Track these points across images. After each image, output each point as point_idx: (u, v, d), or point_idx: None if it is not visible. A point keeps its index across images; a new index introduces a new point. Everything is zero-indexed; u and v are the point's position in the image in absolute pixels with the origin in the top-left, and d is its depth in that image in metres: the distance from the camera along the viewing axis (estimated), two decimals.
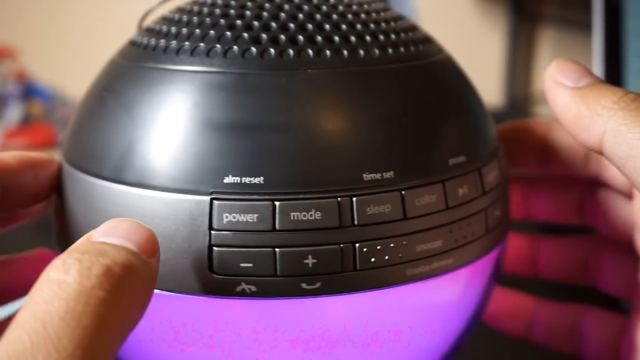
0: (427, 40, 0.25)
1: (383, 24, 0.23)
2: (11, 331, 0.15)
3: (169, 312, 0.21)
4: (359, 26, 0.22)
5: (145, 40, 0.23)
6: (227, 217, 0.19)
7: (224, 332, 0.21)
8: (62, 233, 0.23)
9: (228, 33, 0.22)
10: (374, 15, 0.23)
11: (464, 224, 0.21)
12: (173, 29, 0.23)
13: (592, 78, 0.24)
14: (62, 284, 0.16)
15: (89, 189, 0.21)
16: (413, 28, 0.25)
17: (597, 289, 0.28)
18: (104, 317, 0.16)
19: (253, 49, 0.21)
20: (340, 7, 0.23)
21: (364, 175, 0.20)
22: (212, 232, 0.20)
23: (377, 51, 0.22)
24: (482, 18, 0.92)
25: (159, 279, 0.19)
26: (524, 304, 0.30)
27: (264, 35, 0.21)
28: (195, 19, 0.23)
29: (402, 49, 0.23)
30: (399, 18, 0.25)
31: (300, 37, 0.21)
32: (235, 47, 0.21)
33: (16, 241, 0.27)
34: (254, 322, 0.20)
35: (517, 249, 0.30)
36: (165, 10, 0.25)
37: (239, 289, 0.20)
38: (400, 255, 0.20)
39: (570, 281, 0.29)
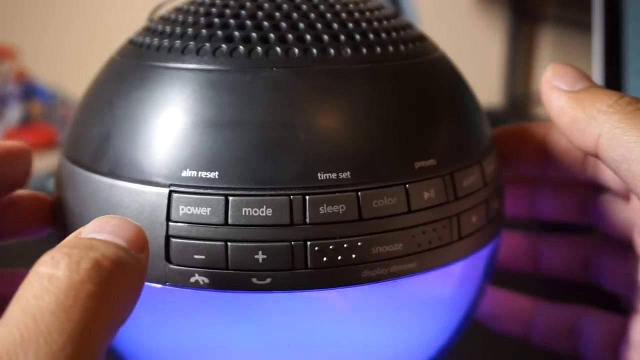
0: (416, 39, 0.24)
1: (364, 24, 0.23)
2: (1, 327, 0.15)
3: None
4: (335, 25, 0.22)
5: (139, 39, 0.24)
6: (183, 209, 0.20)
7: (181, 321, 0.21)
8: (60, 226, 0.24)
9: (204, 31, 0.22)
10: (357, 14, 0.23)
11: (430, 228, 0.21)
12: (160, 28, 0.24)
13: (588, 82, 0.24)
14: (51, 278, 0.16)
15: (74, 178, 0.22)
16: (402, 27, 0.24)
17: (599, 287, 0.28)
18: (94, 311, 0.16)
19: (224, 46, 0.22)
20: (322, 7, 0.23)
21: (319, 174, 0.20)
22: (170, 223, 0.20)
23: (349, 51, 0.22)
24: (482, 18, 0.92)
25: None
26: (523, 305, 0.30)
27: (236, 34, 0.22)
28: (180, 18, 0.23)
29: (378, 49, 0.22)
30: (391, 16, 0.24)
31: (272, 36, 0.22)
32: (207, 45, 0.22)
33: (15, 248, 0.27)
34: (207, 314, 0.21)
35: (518, 247, 0.30)
36: (172, 5, 0.26)
37: (192, 279, 0.20)
38: (354, 256, 0.20)
39: (572, 279, 0.29)
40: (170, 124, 0.21)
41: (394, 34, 0.23)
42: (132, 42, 0.24)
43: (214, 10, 0.23)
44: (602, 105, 0.23)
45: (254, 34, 0.22)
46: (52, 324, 0.15)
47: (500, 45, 0.90)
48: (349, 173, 0.20)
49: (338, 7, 0.23)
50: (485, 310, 0.30)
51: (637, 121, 0.22)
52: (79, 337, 0.15)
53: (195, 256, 0.20)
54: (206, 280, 0.20)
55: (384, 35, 0.23)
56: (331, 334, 0.22)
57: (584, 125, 0.23)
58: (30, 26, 1.27)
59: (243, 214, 0.20)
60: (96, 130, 0.22)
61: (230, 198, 0.20)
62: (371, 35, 0.23)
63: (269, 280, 0.20)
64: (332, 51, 0.22)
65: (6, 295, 0.25)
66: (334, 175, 0.20)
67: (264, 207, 0.20)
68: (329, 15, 0.23)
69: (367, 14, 0.24)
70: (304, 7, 0.23)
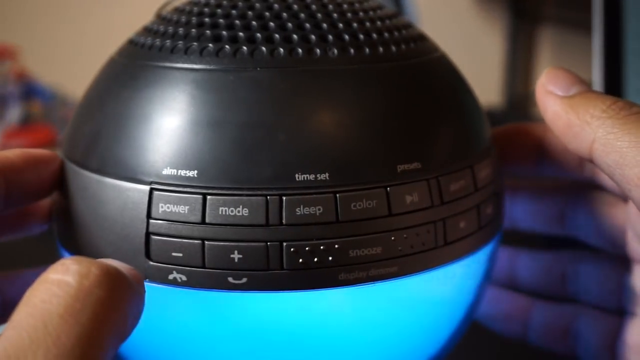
0: (412, 40, 0.24)
1: (356, 24, 0.23)
2: (8, 331, 0.15)
3: None
4: (324, 26, 0.22)
5: (136, 39, 0.24)
6: (162, 206, 0.20)
7: (161, 318, 0.22)
8: (56, 223, 0.24)
9: (194, 31, 0.22)
10: (350, 15, 0.23)
11: (412, 232, 0.21)
12: (156, 27, 0.24)
13: (583, 86, 0.24)
14: (60, 283, 0.16)
15: (68, 174, 0.23)
16: (398, 27, 0.24)
17: (578, 301, 0.28)
18: (103, 316, 0.16)
19: (211, 46, 0.22)
20: (314, 7, 0.23)
21: (297, 175, 0.20)
22: (150, 220, 0.21)
23: (335, 51, 0.22)
24: (482, 18, 0.92)
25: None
26: (521, 304, 0.30)
27: (224, 34, 0.22)
28: (175, 18, 0.24)
29: (367, 50, 0.22)
30: (387, 16, 0.24)
31: (259, 36, 0.22)
32: (195, 45, 0.22)
33: (18, 249, 0.27)
34: (185, 311, 0.21)
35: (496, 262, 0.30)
36: (178, 2, 0.26)
37: (171, 277, 0.20)
38: (330, 258, 0.20)
39: (550, 295, 0.29)
40: (154, 122, 0.21)
41: (386, 34, 0.23)
42: (130, 42, 0.25)
43: (206, 10, 0.23)
44: (595, 111, 0.23)
45: (241, 34, 0.22)
46: (61, 327, 0.15)
47: (499, 45, 0.90)
48: (327, 175, 0.20)
49: (331, 7, 0.23)
50: (483, 310, 0.30)
51: (630, 126, 0.22)
52: (87, 342, 0.15)
53: (174, 254, 0.20)
54: (184, 277, 0.20)
55: (375, 36, 0.23)
56: (310, 336, 0.22)
57: (577, 130, 0.23)
58: (30, 26, 1.27)
59: (220, 213, 0.20)
60: (88, 128, 0.23)
61: (208, 197, 0.20)
62: (361, 36, 0.22)
63: (244, 279, 0.20)
64: (318, 52, 0.22)
65: (5, 296, 0.25)
66: (311, 177, 0.20)
67: (241, 206, 0.20)
68: (319, 15, 0.23)
69: (361, 14, 0.24)
70: (296, 7, 0.23)
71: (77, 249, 0.23)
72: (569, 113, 0.23)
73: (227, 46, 0.22)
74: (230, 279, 0.20)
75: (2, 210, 0.22)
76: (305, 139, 0.20)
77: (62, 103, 0.96)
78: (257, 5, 0.23)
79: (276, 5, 0.23)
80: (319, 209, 0.20)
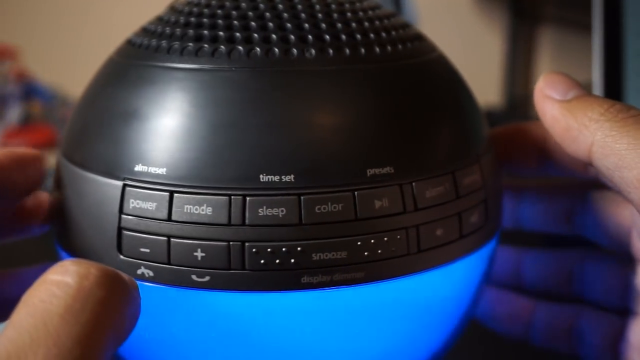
0: (399, 41, 0.24)
1: (340, 25, 0.23)
2: (8, 330, 0.15)
3: None
4: (306, 26, 0.22)
5: (131, 38, 0.24)
6: (133, 202, 0.21)
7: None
8: (55, 221, 0.24)
9: (178, 31, 0.23)
10: (336, 15, 0.23)
11: (380, 238, 0.20)
12: (149, 27, 0.24)
13: (580, 90, 0.24)
14: (60, 284, 0.16)
15: (61, 169, 0.24)
16: (387, 28, 0.24)
17: (584, 300, 0.28)
18: (102, 316, 0.16)
19: (191, 45, 0.22)
20: (300, 6, 0.23)
21: (261, 176, 0.20)
22: (122, 215, 0.21)
23: (313, 52, 0.22)
24: (482, 18, 0.92)
25: (72, 249, 0.22)
26: (523, 305, 0.30)
27: (206, 33, 0.22)
28: (166, 18, 0.24)
29: (347, 50, 0.22)
30: (378, 17, 0.24)
31: (238, 35, 0.22)
32: (176, 44, 0.22)
33: (18, 248, 0.27)
34: (153, 307, 0.21)
35: (501, 261, 0.30)
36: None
37: (139, 272, 0.21)
38: (292, 260, 0.20)
39: (556, 294, 0.29)
40: (130, 119, 0.21)
41: (372, 35, 0.23)
42: (126, 42, 0.25)
43: (195, 9, 0.24)
44: (593, 114, 0.23)
45: (222, 34, 0.22)
46: (61, 327, 0.15)
47: (499, 45, 0.90)
48: (292, 176, 0.20)
49: (318, 7, 0.23)
50: (485, 311, 0.30)
51: (628, 129, 0.22)
52: (86, 341, 0.15)
53: (142, 249, 0.21)
54: (151, 273, 0.21)
55: (359, 36, 0.23)
56: (274, 338, 0.22)
57: (576, 134, 0.23)
58: (30, 26, 1.27)
59: (185, 210, 0.20)
60: (78, 124, 0.23)
61: (175, 194, 0.20)
62: (343, 37, 0.22)
63: (207, 278, 0.20)
64: (295, 52, 0.22)
65: (4, 295, 0.25)
66: (276, 178, 0.20)
67: (205, 205, 0.20)
68: (303, 15, 0.23)
69: (350, 14, 0.23)
70: (281, 7, 0.23)
71: (66, 245, 0.23)
72: (567, 117, 0.23)
73: (206, 45, 0.22)
74: (193, 277, 0.20)
75: None
76: (271, 140, 0.20)
77: (62, 103, 0.96)
78: (243, 5, 0.23)
79: (262, 5, 0.23)
80: (282, 211, 0.20)
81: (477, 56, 0.92)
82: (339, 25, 0.23)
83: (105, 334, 0.16)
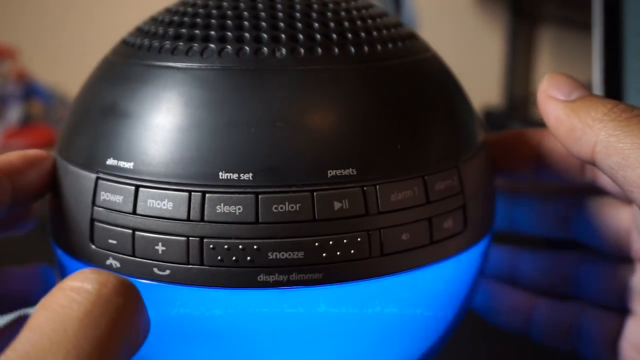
0: (383, 41, 0.23)
1: (317, 24, 0.23)
2: (27, 333, 0.16)
3: (62, 272, 0.24)
4: (281, 25, 0.22)
5: (131, 39, 0.25)
6: (103, 195, 0.21)
7: None
8: (49, 217, 0.25)
9: (161, 29, 0.23)
10: (316, 15, 0.23)
11: (339, 240, 0.20)
12: (142, 26, 0.25)
13: (584, 91, 0.24)
14: (80, 290, 0.17)
15: (56, 166, 0.24)
16: (368, 29, 0.23)
17: (582, 300, 0.28)
18: (120, 323, 0.17)
19: (168, 44, 0.23)
20: (279, 5, 0.23)
21: (220, 173, 0.20)
22: (94, 207, 0.22)
23: (284, 51, 0.22)
24: (482, 18, 0.92)
25: (59, 240, 0.23)
26: (523, 300, 0.30)
27: (184, 32, 0.23)
28: (159, 17, 0.24)
29: (319, 50, 0.22)
30: (360, 18, 0.24)
31: (213, 34, 0.22)
32: (155, 43, 0.23)
33: (11, 245, 0.27)
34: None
35: (497, 262, 0.30)
36: None
37: (107, 262, 0.22)
38: (249, 258, 0.20)
39: (551, 294, 0.29)
40: (108, 114, 0.22)
41: (350, 35, 0.23)
42: (121, 41, 0.25)
43: (181, 9, 0.24)
44: (597, 114, 0.23)
45: (197, 32, 0.22)
46: (81, 331, 0.16)
47: (499, 45, 0.90)
48: (250, 175, 0.20)
49: (299, 7, 0.23)
50: (485, 304, 0.30)
51: (631, 128, 0.22)
52: (104, 346, 0.16)
53: (110, 240, 0.21)
54: (118, 264, 0.21)
55: (334, 36, 0.22)
56: (233, 335, 0.22)
57: (580, 134, 0.23)
58: (30, 26, 1.27)
59: (148, 205, 0.21)
60: (68, 119, 0.24)
61: (140, 189, 0.21)
62: (318, 36, 0.22)
63: (168, 272, 0.21)
64: (265, 51, 0.22)
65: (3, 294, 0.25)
66: (235, 176, 0.20)
67: (166, 200, 0.20)
68: (281, 15, 0.23)
69: (330, 14, 0.23)
70: (261, 6, 0.23)
71: (56, 238, 0.24)
72: (571, 117, 0.23)
73: (181, 44, 0.22)
74: (155, 270, 0.21)
75: (8, 212, 0.23)
76: (232, 138, 0.20)
77: (62, 103, 0.96)
78: (225, 4, 0.23)
79: (242, 5, 0.23)
80: (239, 209, 0.20)
81: (477, 56, 0.92)
82: (316, 25, 0.23)
83: (122, 341, 0.17)
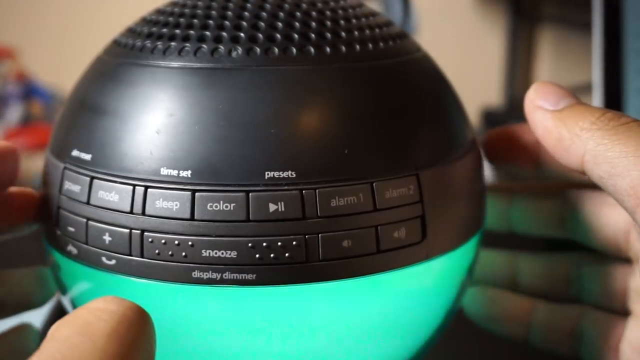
0: (361, 41, 0.23)
1: (280, 24, 0.23)
2: (53, 344, 0.16)
3: (49, 262, 0.25)
4: (243, 24, 0.22)
5: (122, 39, 0.25)
6: (66, 184, 0.23)
7: (69, 286, 0.24)
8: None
9: (153, 29, 0.24)
10: (283, 14, 0.23)
11: (274, 242, 0.20)
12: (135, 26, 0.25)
13: (572, 99, 0.24)
14: (105, 310, 0.17)
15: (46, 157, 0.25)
16: (334, 30, 0.23)
17: (583, 301, 0.28)
18: (141, 343, 0.17)
19: (148, 42, 0.23)
20: (268, 5, 0.23)
21: (162, 169, 0.21)
22: (60, 195, 0.23)
23: (239, 50, 0.22)
24: (482, 18, 0.92)
25: (42, 228, 0.25)
26: (522, 306, 0.30)
27: (164, 30, 0.23)
28: (153, 17, 0.25)
29: (275, 50, 0.22)
30: (334, 19, 0.23)
31: (191, 32, 0.23)
32: (138, 42, 0.24)
33: (11, 246, 0.27)
34: (78, 283, 0.24)
35: (497, 266, 0.30)
36: None
37: (67, 248, 0.23)
38: (184, 254, 0.20)
39: (552, 296, 0.29)
40: (79, 108, 0.24)
41: (313, 35, 0.22)
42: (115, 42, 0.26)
43: (175, 9, 0.24)
44: (584, 123, 0.23)
45: (178, 31, 0.23)
46: (108, 345, 0.16)
47: (500, 45, 0.90)
48: (189, 172, 0.21)
49: (286, 6, 0.23)
50: (483, 312, 0.30)
51: (619, 137, 0.22)
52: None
53: (69, 228, 0.22)
54: (75, 251, 0.22)
55: (295, 36, 0.22)
56: (173, 329, 0.22)
57: (568, 143, 0.23)
58: (30, 26, 1.27)
59: (99, 196, 0.22)
60: (58, 115, 0.25)
61: (94, 180, 0.22)
62: (295, 35, 0.22)
63: (114, 261, 0.22)
64: (222, 50, 0.22)
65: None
66: (175, 173, 0.21)
67: (113, 192, 0.21)
68: (263, 14, 0.23)
69: (299, 14, 0.23)
70: (249, 6, 0.23)
71: (40, 226, 0.25)
72: (559, 127, 0.23)
73: (148, 43, 0.23)
74: (104, 259, 0.22)
75: None
76: (175, 136, 0.21)
77: (62, 103, 0.96)
78: (214, 4, 0.24)
79: (231, 5, 0.23)
80: (176, 205, 0.21)
81: (477, 56, 0.92)
82: (280, 24, 0.23)
83: (142, 357, 0.17)
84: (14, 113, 0.93)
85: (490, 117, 0.82)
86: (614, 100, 0.37)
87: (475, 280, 0.30)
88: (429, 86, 0.25)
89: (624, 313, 0.27)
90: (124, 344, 0.17)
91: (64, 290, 0.25)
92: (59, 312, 0.35)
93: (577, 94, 0.25)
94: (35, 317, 0.29)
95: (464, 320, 0.30)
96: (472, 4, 0.92)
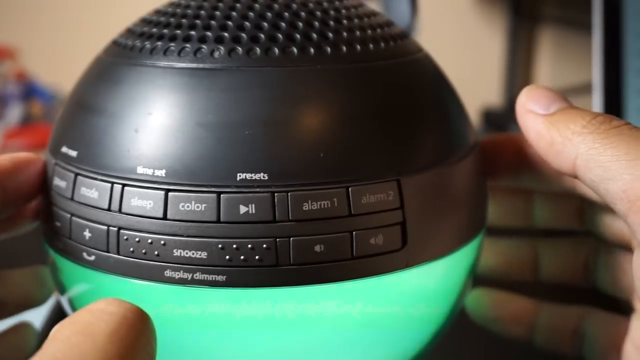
0: (353, 42, 0.23)
1: (266, 24, 0.22)
2: (55, 344, 0.17)
3: (48, 258, 0.25)
4: (231, 25, 0.22)
5: (119, 39, 0.25)
6: (55, 180, 0.23)
7: (61, 282, 0.25)
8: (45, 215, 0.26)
9: (139, 28, 0.24)
10: (271, 14, 0.23)
11: (244, 245, 0.20)
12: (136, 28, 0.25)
13: (563, 102, 0.24)
14: (106, 311, 0.18)
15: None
16: (322, 31, 0.23)
17: (599, 290, 0.28)
18: (141, 345, 0.18)
19: (137, 42, 0.23)
20: (265, 6, 0.23)
21: (138, 168, 0.21)
22: (51, 191, 0.23)
23: (222, 50, 0.22)
24: (482, 18, 0.92)
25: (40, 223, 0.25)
26: (526, 307, 0.30)
27: (154, 30, 0.23)
28: (151, 17, 0.25)
29: (257, 50, 0.22)
30: (323, 20, 0.23)
31: (178, 32, 0.23)
32: (135, 42, 0.24)
33: (11, 246, 0.28)
34: (65, 278, 0.24)
35: (517, 253, 0.30)
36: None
37: (56, 242, 0.23)
38: (156, 253, 0.21)
39: (572, 283, 0.29)
40: (71, 106, 0.24)
41: (298, 36, 0.22)
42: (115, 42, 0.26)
43: (170, 10, 0.24)
44: (576, 127, 0.23)
45: (165, 31, 0.23)
46: (108, 345, 0.17)
47: (500, 45, 0.90)
48: (163, 172, 0.21)
49: (294, 6, 0.23)
50: (488, 313, 0.30)
51: (611, 140, 0.22)
52: None
53: (56, 223, 0.23)
54: (60, 245, 0.23)
55: (279, 37, 0.22)
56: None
57: (560, 147, 0.23)
58: (30, 26, 1.27)
59: (81, 192, 0.22)
60: (58, 114, 0.25)
61: (78, 177, 0.22)
62: (279, 36, 0.22)
63: (93, 257, 0.22)
64: (204, 49, 0.22)
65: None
66: (150, 171, 0.21)
67: (93, 189, 0.22)
68: (251, 15, 0.23)
69: (287, 14, 0.23)
70: (243, 5, 0.23)
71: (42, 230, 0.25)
72: (550, 131, 0.23)
73: (137, 43, 0.23)
74: (84, 255, 0.22)
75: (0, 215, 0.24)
76: (152, 136, 0.21)
77: (62, 103, 0.96)
78: (206, 4, 0.24)
79: (221, 5, 0.23)
80: (150, 203, 0.21)
81: (477, 56, 0.92)
82: (265, 24, 0.22)
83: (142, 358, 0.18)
84: (14, 113, 0.93)
85: (490, 117, 0.82)
86: (614, 100, 0.37)
87: (494, 267, 0.30)
88: (426, 88, 0.24)
89: (628, 312, 0.27)
90: (125, 345, 0.17)
91: (60, 289, 0.25)
92: (58, 312, 0.35)
93: (577, 94, 0.25)
94: (35, 317, 0.29)
95: (464, 320, 0.30)
96: (472, 4, 0.92)
